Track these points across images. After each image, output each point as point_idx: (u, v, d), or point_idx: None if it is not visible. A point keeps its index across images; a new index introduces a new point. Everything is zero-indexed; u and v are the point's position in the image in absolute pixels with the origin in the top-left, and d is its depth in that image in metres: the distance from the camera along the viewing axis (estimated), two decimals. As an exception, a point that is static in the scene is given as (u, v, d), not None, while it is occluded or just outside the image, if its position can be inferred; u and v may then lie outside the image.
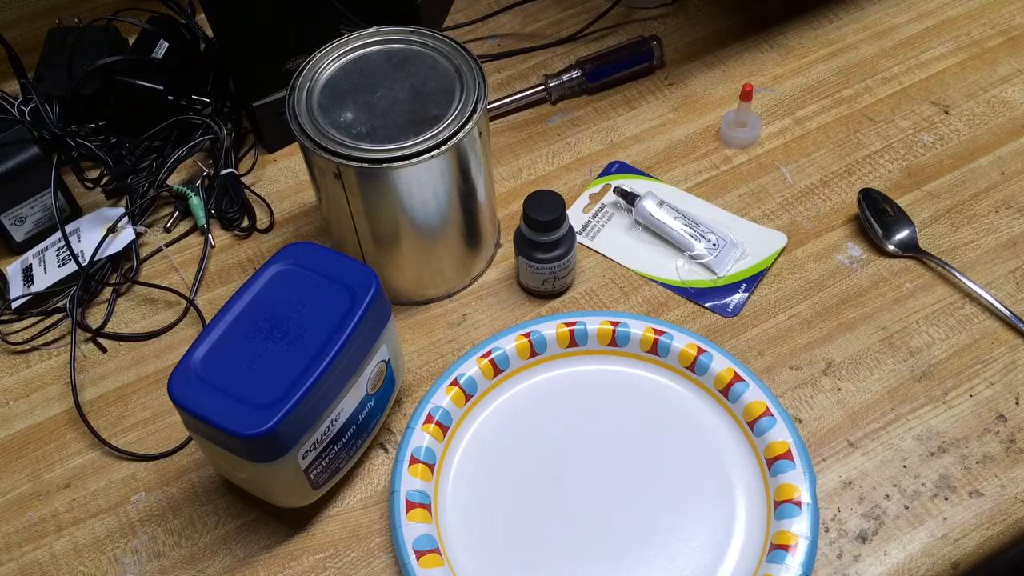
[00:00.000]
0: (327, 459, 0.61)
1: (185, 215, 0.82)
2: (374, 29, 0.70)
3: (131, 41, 0.86)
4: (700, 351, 0.67)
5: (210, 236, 0.80)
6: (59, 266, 0.77)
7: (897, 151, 0.82)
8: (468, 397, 0.67)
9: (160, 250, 0.80)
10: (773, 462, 0.63)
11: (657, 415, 0.67)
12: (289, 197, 0.83)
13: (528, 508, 0.64)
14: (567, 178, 0.82)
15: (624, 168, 0.82)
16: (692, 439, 0.66)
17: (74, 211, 0.81)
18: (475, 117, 0.65)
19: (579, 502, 0.63)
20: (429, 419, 0.65)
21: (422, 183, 0.65)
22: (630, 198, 0.78)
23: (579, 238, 0.77)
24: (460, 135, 0.64)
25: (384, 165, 0.63)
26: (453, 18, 0.96)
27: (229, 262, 0.79)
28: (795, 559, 0.58)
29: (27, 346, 0.75)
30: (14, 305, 0.76)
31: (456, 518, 0.64)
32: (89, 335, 0.75)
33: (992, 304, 0.71)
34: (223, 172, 0.81)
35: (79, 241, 0.78)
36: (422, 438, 0.65)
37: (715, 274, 0.75)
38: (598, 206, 0.80)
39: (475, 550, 0.62)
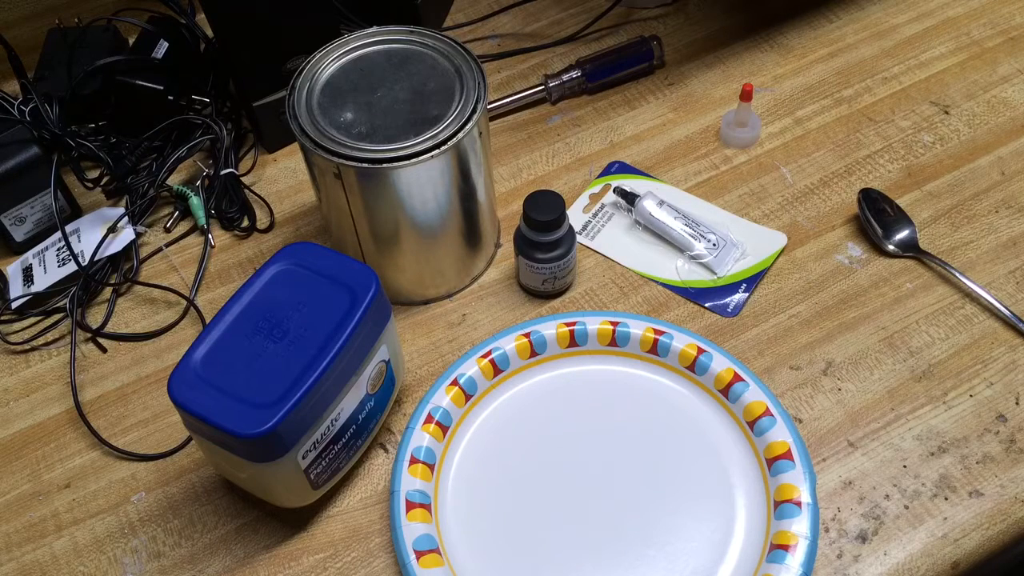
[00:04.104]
0: (327, 459, 0.61)
1: (185, 215, 0.82)
2: (374, 29, 0.70)
3: (131, 41, 0.86)
4: (700, 351, 0.67)
5: (210, 236, 0.80)
6: (59, 266, 0.77)
7: (897, 151, 0.82)
8: (468, 397, 0.67)
9: (160, 250, 0.80)
10: (773, 462, 0.63)
11: (657, 415, 0.67)
12: (289, 197, 0.83)
13: (528, 508, 0.64)
14: (567, 178, 0.82)
15: (624, 168, 0.82)
16: (692, 439, 0.66)
17: (74, 211, 0.81)
18: (475, 117, 0.65)
19: (579, 502, 0.63)
20: (429, 419, 0.65)
21: (422, 183, 0.65)
22: (630, 198, 0.78)
23: (579, 238, 0.77)
24: (460, 135, 0.64)
25: (384, 165, 0.63)
26: (453, 18, 0.96)
27: (229, 262, 0.79)
28: (795, 559, 0.58)
29: (27, 346, 0.75)
30: (14, 305, 0.76)
31: (456, 518, 0.64)
32: (89, 335, 0.75)
33: (992, 304, 0.71)
34: (223, 172, 0.81)
35: (79, 241, 0.78)
36: (422, 438, 0.65)
37: (715, 274, 0.75)
38: (598, 206, 0.80)
39: (475, 550, 0.62)
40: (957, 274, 0.72)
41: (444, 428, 0.66)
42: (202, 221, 0.80)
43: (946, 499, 0.63)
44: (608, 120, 0.86)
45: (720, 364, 0.67)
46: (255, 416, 0.55)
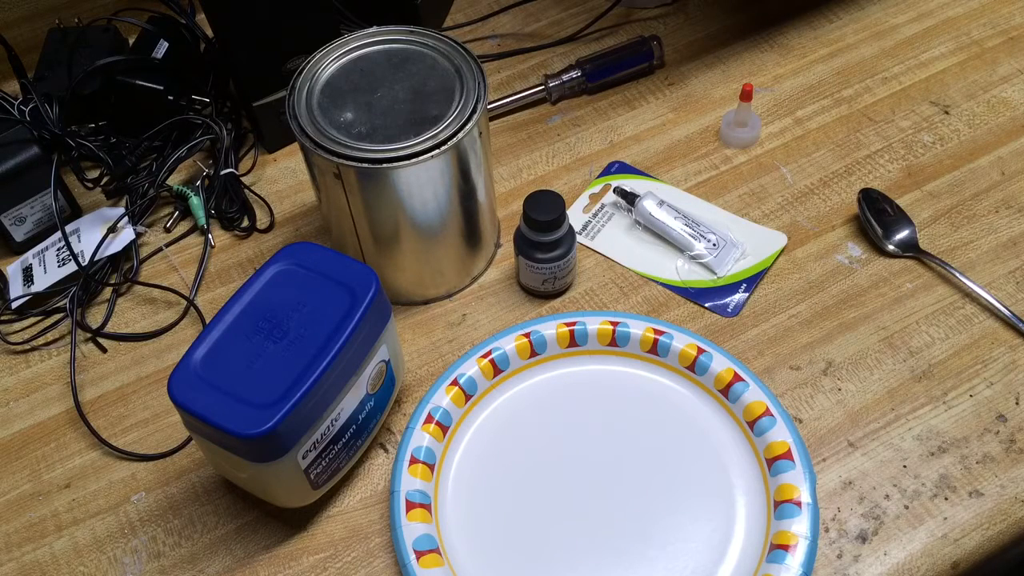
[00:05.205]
0: (327, 459, 0.61)
1: (185, 215, 0.82)
2: (374, 29, 0.70)
3: (131, 41, 0.87)
4: (700, 351, 0.67)
5: (210, 236, 0.80)
6: (59, 266, 0.77)
7: (897, 151, 0.82)
8: (468, 397, 0.67)
9: (160, 250, 0.80)
10: (773, 462, 0.63)
11: (657, 415, 0.67)
12: (289, 197, 0.83)
13: (528, 508, 0.64)
14: (567, 178, 0.82)
15: (624, 168, 0.82)
16: (692, 439, 0.66)
17: (74, 211, 0.81)
18: (475, 117, 0.65)
19: (579, 502, 0.63)
20: (429, 419, 0.65)
21: (422, 183, 0.65)
22: (630, 198, 0.78)
23: (579, 238, 0.77)
24: (460, 135, 0.64)
25: (384, 165, 0.63)
26: (453, 18, 0.96)
27: (229, 262, 0.79)
28: (795, 559, 0.58)
29: (27, 346, 0.75)
30: (14, 305, 0.76)
31: (456, 518, 0.64)
32: (89, 335, 0.75)
33: (992, 304, 0.71)
34: (223, 172, 0.81)
35: (79, 241, 0.78)
36: (422, 438, 0.65)
37: (715, 274, 0.75)
38: (598, 206, 0.80)
39: (475, 550, 0.62)
40: (957, 274, 0.72)
41: (444, 428, 0.66)
42: (202, 221, 0.80)
43: (946, 499, 0.63)
44: (608, 120, 0.86)
45: (720, 364, 0.67)
46: (255, 416, 0.55)
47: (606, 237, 0.78)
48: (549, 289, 0.74)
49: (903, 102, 0.85)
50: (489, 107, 0.86)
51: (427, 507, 0.63)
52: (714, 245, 0.75)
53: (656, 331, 0.69)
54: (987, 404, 0.67)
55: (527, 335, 0.69)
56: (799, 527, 0.59)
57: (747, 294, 0.74)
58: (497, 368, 0.68)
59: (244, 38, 0.77)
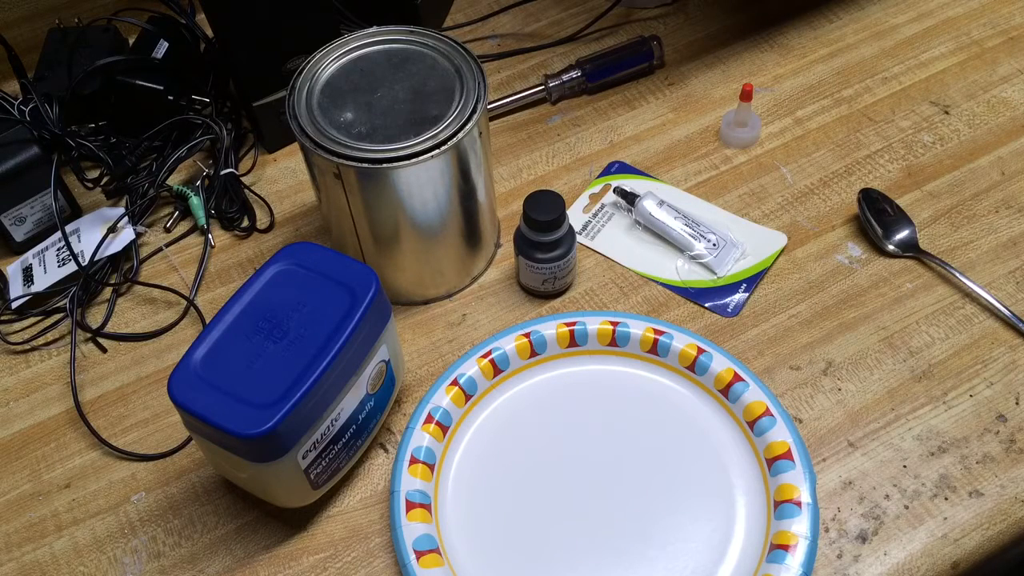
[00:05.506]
0: (327, 459, 0.61)
1: (185, 215, 0.82)
2: (374, 29, 0.70)
3: (131, 41, 0.87)
4: (700, 351, 0.67)
5: (210, 236, 0.80)
6: (59, 266, 0.77)
7: (897, 151, 0.82)
8: (468, 397, 0.67)
9: (160, 250, 0.80)
10: (773, 462, 0.63)
11: (657, 415, 0.67)
12: (289, 197, 0.83)
13: (528, 508, 0.64)
14: (567, 178, 0.82)
15: (624, 168, 0.82)
16: (692, 439, 0.66)
17: (74, 211, 0.81)
18: (475, 117, 0.65)
19: (579, 502, 0.63)
20: (429, 419, 0.65)
21: (422, 183, 0.65)
22: (630, 198, 0.78)
23: (579, 238, 0.77)
24: (460, 135, 0.64)
25: (384, 165, 0.63)
26: (453, 18, 0.96)
27: (229, 262, 0.79)
28: (795, 559, 0.58)
29: (27, 346, 0.75)
30: (14, 305, 0.76)
31: (456, 518, 0.64)
32: (89, 335, 0.75)
33: (992, 304, 0.71)
34: (223, 172, 0.81)
35: (79, 241, 0.78)
36: (422, 438, 0.65)
37: (715, 274, 0.75)
38: (598, 206, 0.80)
39: (475, 550, 0.62)
40: (957, 274, 0.72)
41: (444, 428, 0.66)
42: (202, 221, 0.80)
43: (946, 499, 0.63)
44: (608, 120, 0.86)
45: (720, 364, 0.67)
46: (255, 416, 0.55)
47: (606, 237, 0.78)
48: (549, 289, 0.74)
49: (903, 102, 0.85)
50: (489, 107, 0.86)
51: (427, 507, 0.63)
52: (714, 245, 0.75)
53: (656, 331, 0.69)
54: (987, 404, 0.67)
55: (527, 335, 0.69)
56: (799, 527, 0.59)
57: (747, 294, 0.74)
58: (497, 368, 0.68)
59: (244, 38, 0.77)
